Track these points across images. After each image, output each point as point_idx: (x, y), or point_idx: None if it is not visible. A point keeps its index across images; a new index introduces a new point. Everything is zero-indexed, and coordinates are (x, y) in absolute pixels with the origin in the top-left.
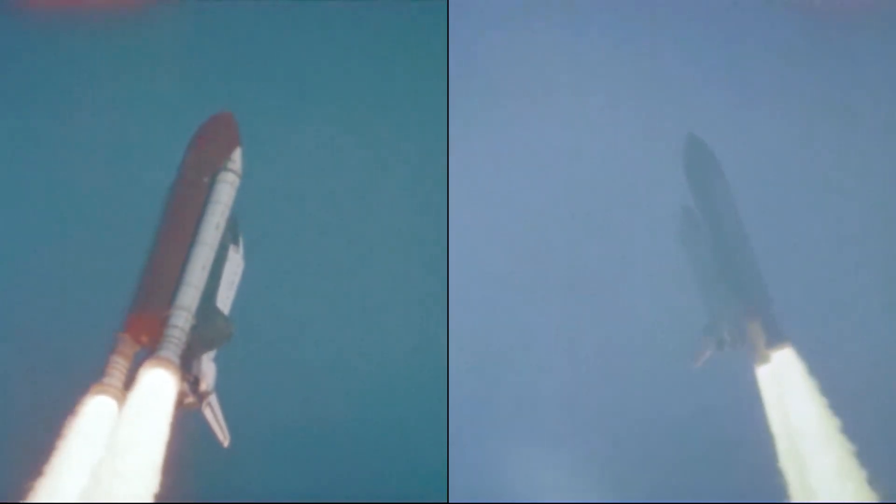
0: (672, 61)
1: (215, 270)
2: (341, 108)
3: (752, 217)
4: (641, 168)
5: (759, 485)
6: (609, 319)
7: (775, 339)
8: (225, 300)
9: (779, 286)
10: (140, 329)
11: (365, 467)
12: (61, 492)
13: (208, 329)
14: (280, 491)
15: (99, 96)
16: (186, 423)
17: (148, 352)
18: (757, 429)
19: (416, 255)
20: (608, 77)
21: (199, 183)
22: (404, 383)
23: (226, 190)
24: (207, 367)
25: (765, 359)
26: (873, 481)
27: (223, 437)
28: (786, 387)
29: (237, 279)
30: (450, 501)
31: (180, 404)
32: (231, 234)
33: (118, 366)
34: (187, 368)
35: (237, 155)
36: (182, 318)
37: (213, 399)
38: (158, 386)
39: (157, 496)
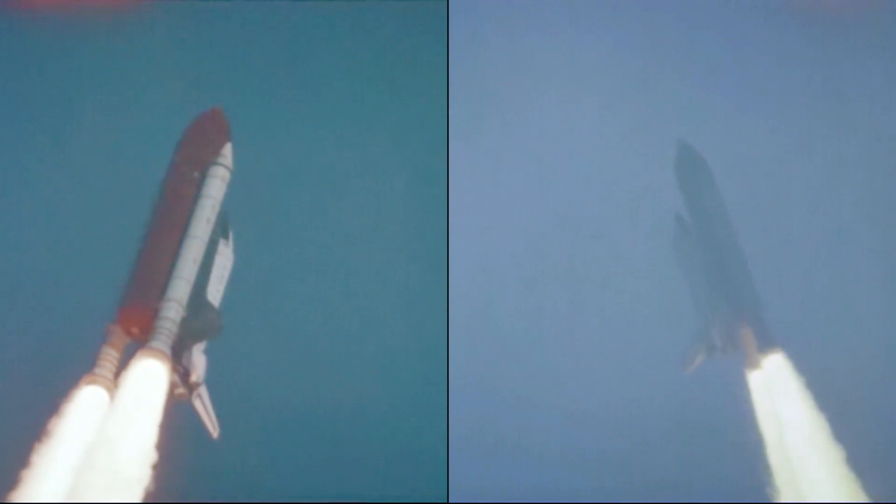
0: (671, 64)
1: (205, 264)
2: (341, 107)
3: (743, 223)
4: (638, 173)
5: (750, 488)
6: (608, 327)
7: (766, 344)
8: (215, 294)
9: (771, 292)
10: (131, 321)
11: (364, 467)
12: (51, 482)
13: (199, 321)
14: (278, 491)
15: (89, 95)
16: (176, 414)
17: (139, 344)
18: (748, 433)
19: (415, 254)
20: (608, 78)
21: (190, 177)
22: (404, 383)
23: (216, 184)
24: (198, 359)
25: (756, 364)
26: (864, 485)
27: (213, 428)
28: (777, 392)
29: (227, 273)
30: (450, 501)
31: (171, 395)
32: (221, 228)
33: (109, 357)
34: (177, 360)
35: (227, 150)
36: (173, 310)
37: (202, 391)
38: (150, 376)
39: (147, 486)
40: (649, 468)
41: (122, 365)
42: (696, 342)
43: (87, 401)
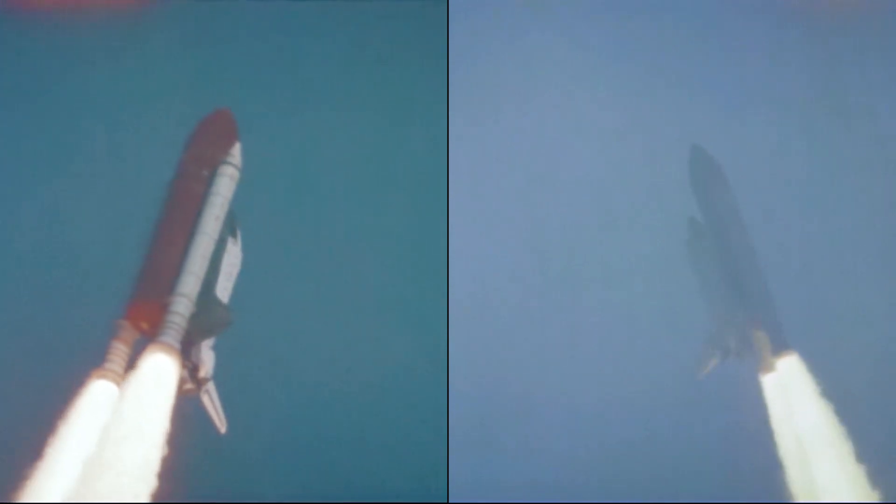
0: (675, 65)
1: (214, 262)
2: (341, 108)
3: (757, 226)
4: (642, 175)
5: (764, 492)
6: (613, 327)
7: (780, 347)
8: (223, 291)
9: (784, 295)
10: (140, 316)
11: (365, 467)
12: (61, 475)
13: (208, 317)
14: (277, 491)
15: (100, 94)
16: (184, 409)
17: (148, 340)
18: (762, 436)
19: (415, 254)
20: (609, 79)
21: (199, 176)
22: (404, 383)
23: (225, 183)
24: (206, 355)
25: (770, 367)
26: (879, 487)
27: (220, 423)
28: (791, 394)
29: (235, 271)
30: (450, 501)
31: (179, 390)
32: (229, 227)
33: (119, 352)
34: (186, 356)
35: (236, 149)
36: (183, 305)
37: (210, 386)
38: (160, 370)
39: (156, 479)
40: (654, 470)
41: (132, 360)
42: (710, 345)
43: (96, 395)
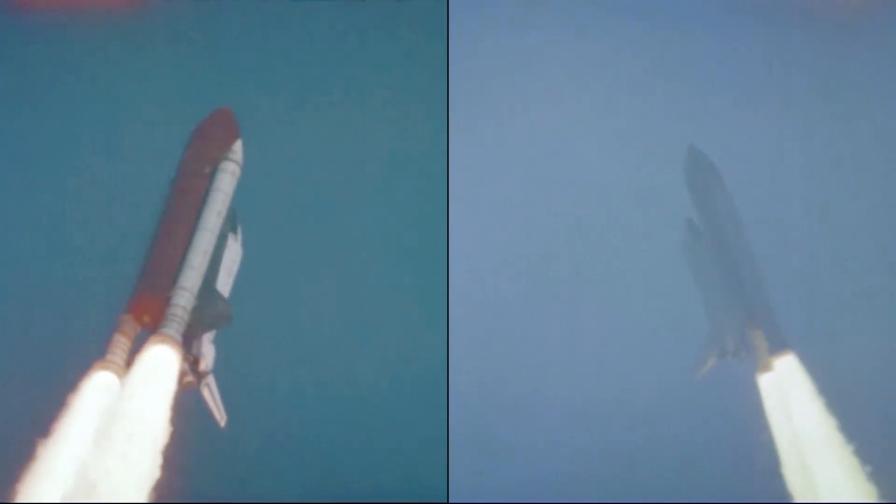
0: (673, 66)
1: (215, 257)
2: (341, 108)
3: (754, 226)
4: (642, 176)
5: (762, 491)
6: (612, 327)
7: (777, 346)
8: (224, 286)
9: (781, 295)
10: (143, 309)
11: (365, 467)
12: (63, 465)
13: (209, 310)
14: (277, 491)
15: (102, 94)
16: (184, 401)
17: (149, 334)
18: (759, 436)
19: (415, 254)
20: (609, 78)
21: (201, 173)
22: (404, 383)
23: (227, 179)
24: (207, 348)
25: (767, 366)
26: (877, 487)
27: (220, 416)
28: (788, 393)
29: (236, 266)
30: (450, 501)
31: (180, 383)
32: (230, 223)
33: (121, 345)
34: (187, 349)
35: (238, 146)
36: (184, 299)
37: (210, 379)
38: (162, 361)
39: (158, 473)
40: (654, 469)
41: (133, 353)
42: (708, 345)
43: (98, 385)
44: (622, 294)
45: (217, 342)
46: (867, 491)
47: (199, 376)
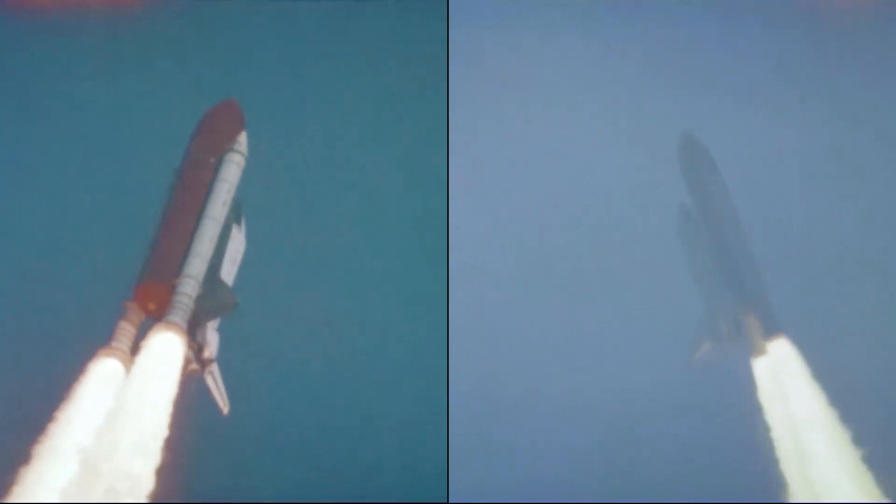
0: (671, 60)
1: (219, 247)
2: (341, 108)
3: (748, 211)
4: (641, 166)
5: (757, 478)
6: (606, 316)
7: (771, 330)
8: (228, 276)
9: (775, 279)
10: (148, 297)
11: (365, 467)
12: (66, 452)
13: (214, 298)
14: (277, 491)
15: (108, 88)
16: (187, 390)
17: (154, 321)
18: (754, 419)
19: (415, 253)
20: (609, 77)
21: (206, 163)
22: (404, 383)
23: (232, 169)
24: (211, 336)
25: (761, 350)
26: (872, 471)
27: (223, 404)
28: (781, 376)
29: (239, 257)
30: (450, 501)
31: (184, 370)
32: (234, 214)
33: (126, 332)
34: (192, 336)
35: (243, 138)
36: (190, 286)
37: (214, 368)
38: (167, 347)
39: (160, 458)
40: (651, 469)
41: (138, 341)
42: (702, 330)
43: (103, 371)
44: (624, 292)
45: (220, 333)
46: (862, 477)
47: (203, 364)
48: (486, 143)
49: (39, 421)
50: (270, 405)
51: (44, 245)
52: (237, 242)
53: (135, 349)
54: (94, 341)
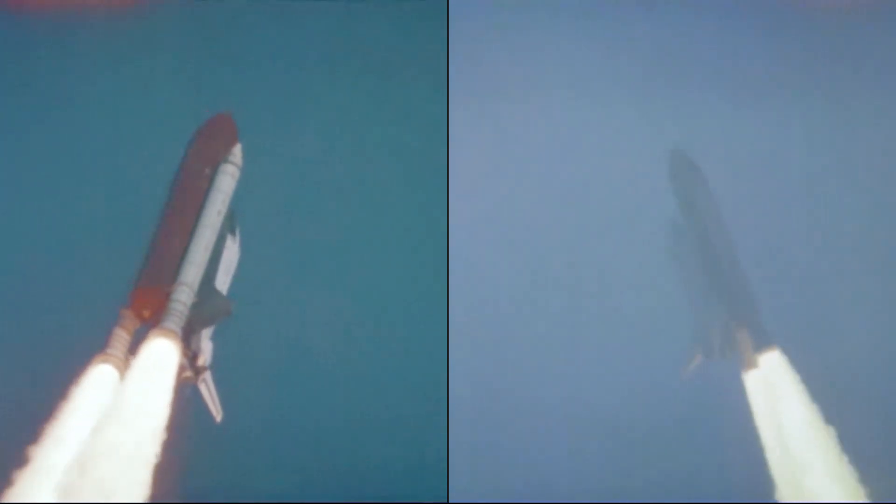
0: (671, 65)
1: (214, 256)
2: (340, 108)
3: (739, 222)
4: (638, 175)
5: (749, 487)
6: (612, 327)
7: (762, 343)
8: (222, 285)
9: (766, 292)
10: (143, 304)
11: (365, 467)
12: (61, 457)
13: (209, 306)
14: (276, 491)
15: (104, 95)
16: (181, 397)
17: (149, 328)
18: (746, 433)
19: (415, 254)
20: (608, 76)
21: (201, 173)
22: (404, 383)
23: (227, 180)
24: (205, 344)
25: (753, 364)
26: (864, 481)
27: (216, 412)
28: (773, 389)
29: (234, 267)
30: (450, 501)
31: (178, 377)
32: (229, 224)
33: (120, 338)
34: (186, 344)
35: (237, 150)
36: (185, 293)
37: (207, 375)
38: (162, 353)
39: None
40: (648, 468)
41: (133, 348)
42: (694, 344)
43: (97, 377)
44: (624, 293)
45: (214, 346)
46: (852, 485)
47: (198, 371)
48: (487, 144)
49: (35, 426)
50: (268, 406)
51: (38, 252)
52: (231, 253)
53: (130, 355)
54: (88, 348)
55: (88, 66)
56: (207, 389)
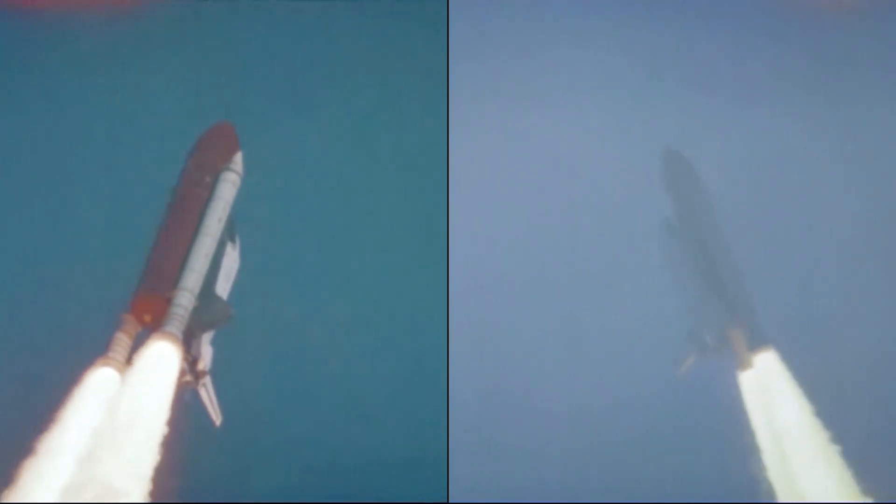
0: (670, 66)
1: (214, 263)
2: (340, 108)
3: (733, 221)
4: (636, 174)
5: (744, 486)
6: (612, 327)
7: (757, 343)
8: (222, 292)
9: (761, 291)
10: (144, 309)
11: (365, 467)
12: (62, 460)
13: (209, 311)
14: (276, 490)
15: (103, 105)
16: (181, 402)
17: (149, 333)
18: (741, 432)
19: (415, 255)
20: (608, 76)
21: (202, 181)
22: (404, 383)
23: (227, 188)
24: (205, 349)
25: (747, 363)
26: (858, 479)
27: (216, 416)
28: (768, 389)
29: (234, 274)
30: (450, 501)
31: (178, 381)
32: (229, 231)
33: (122, 343)
34: (187, 348)
35: (238, 158)
36: (186, 298)
37: (207, 380)
38: (163, 357)
39: (155, 468)
40: (646, 468)
41: (134, 351)
42: (689, 343)
43: (99, 380)
44: (624, 293)
45: (213, 347)
46: (847, 485)
47: (197, 376)
48: (486, 144)
49: (35, 429)
50: (268, 405)
51: (41, 258)
52: (231, 260)
53: (131, 359)
54: (90, 352)
55: (91, 75)
56: (207, 394)
